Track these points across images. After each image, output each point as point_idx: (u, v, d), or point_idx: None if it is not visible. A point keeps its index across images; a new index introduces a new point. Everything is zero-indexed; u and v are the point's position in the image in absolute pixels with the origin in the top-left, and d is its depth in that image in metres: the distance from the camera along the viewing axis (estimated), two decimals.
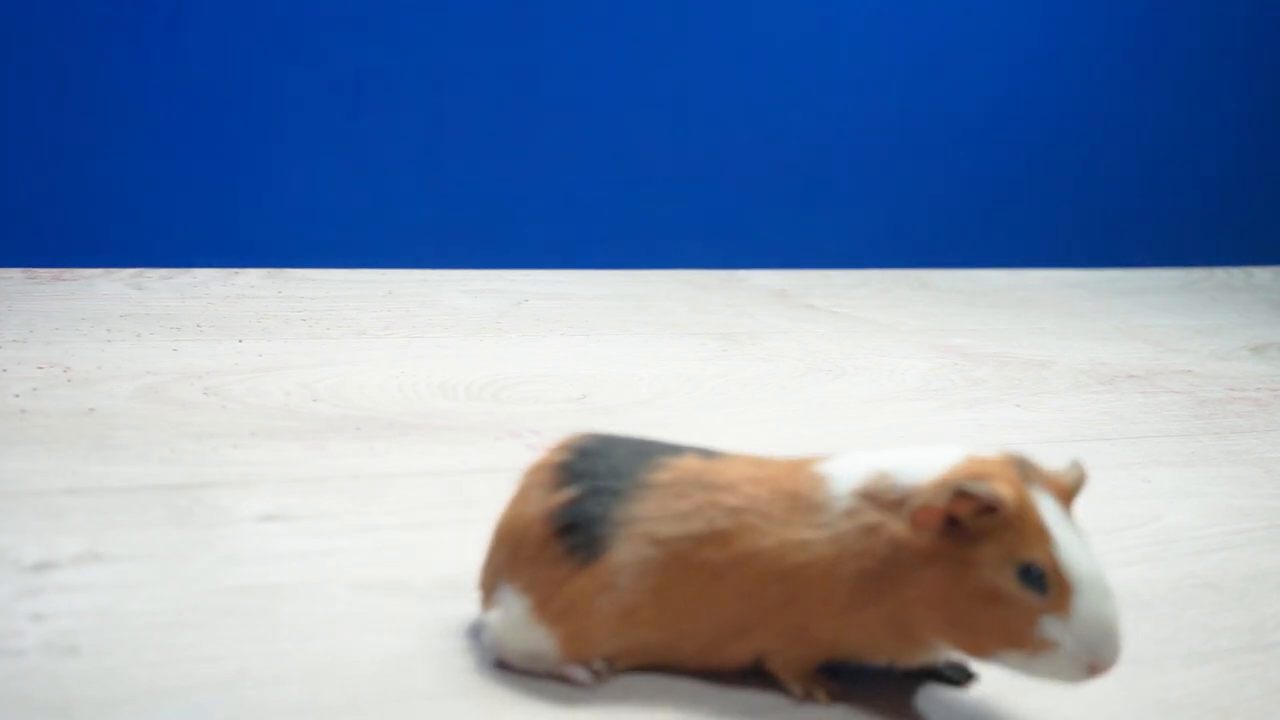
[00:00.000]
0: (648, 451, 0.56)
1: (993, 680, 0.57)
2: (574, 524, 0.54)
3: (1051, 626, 0.50)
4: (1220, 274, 1.70)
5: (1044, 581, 0.50)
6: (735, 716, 0.53)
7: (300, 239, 1.36)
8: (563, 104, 1.45)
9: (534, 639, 0.54)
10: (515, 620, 0.54)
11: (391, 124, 1.39)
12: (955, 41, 1.61)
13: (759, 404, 0.98)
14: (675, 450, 0.56)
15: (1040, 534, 0.51)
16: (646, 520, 0.54)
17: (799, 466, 0.55)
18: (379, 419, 0.88)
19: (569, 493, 0.55)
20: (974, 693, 0.56)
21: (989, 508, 0.50)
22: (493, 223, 1.44)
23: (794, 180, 1.56)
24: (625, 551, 0.53)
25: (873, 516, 0.52)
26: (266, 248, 1.34)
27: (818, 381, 1.05)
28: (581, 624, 0.54)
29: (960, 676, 0.56)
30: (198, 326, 1.08)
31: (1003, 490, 0.50)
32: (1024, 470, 0.52)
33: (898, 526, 0.52)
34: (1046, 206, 1.68)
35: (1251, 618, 0.67)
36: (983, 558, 0.51)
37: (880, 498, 0.53)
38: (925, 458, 0.53)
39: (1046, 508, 0.51)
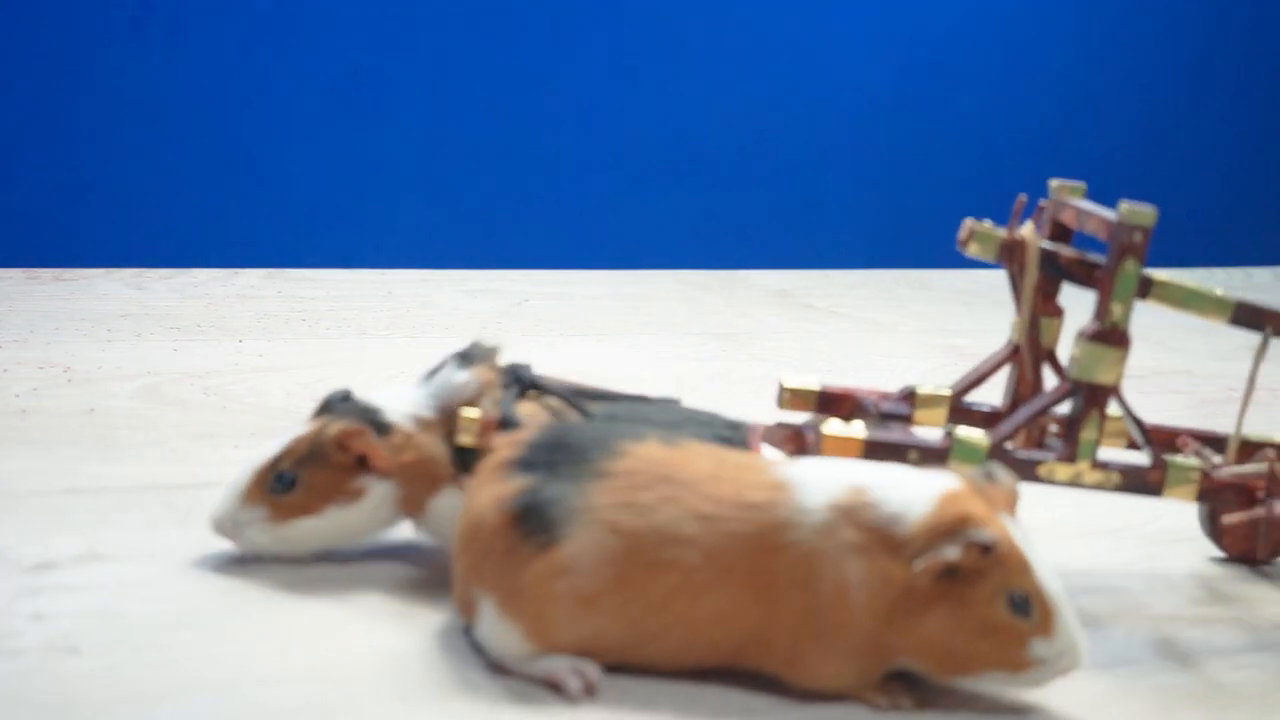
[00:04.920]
0: (606, 437, 0.55)
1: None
2: (527, 509, 0.53)
3: (1039, 646, 0.53)
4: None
5: (1029, 606, 0.53)
6: (735, 716, 0.53)
7: (300, 239, 1.36)
8: (562, 104, 1.45)
9: (502, 634, 0.54)
10: (488, 622, 0.54)
11: (391, 124, 1.39)
12: (954, 42, 1.61)
13: (759, 404, 0.98)
14: (636, 435, 0.55)
15: (1023, 563, 0.53)
16: (606, 508, 0.53)
17: (761, 469, 0.55)
18: None
19: (521, 481, 0.54)
20: (973, 693, 0.56)
21: (985, 549, 0.52)
22: (493, 223, 1.44)
23: (794, 180, 1.56)
24: (583, 538, 0.52)
25: (852, 535, 0.52)
26: (266, 248, 1.34)
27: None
28: (542, 611, 0.53)
29: None
30: (198, 326, 1.08)
31: (997, 533, 0.52)
32: (985, 497, 0.54)
33: (888, 562, 0.52)
34: None
35: (1251, 618, 0.67)
36: (979, 595, 0.52)
37: (859, 517, 0.53)
38: (902, 482, 0.54)
39: (1015, 532, 0.53)
